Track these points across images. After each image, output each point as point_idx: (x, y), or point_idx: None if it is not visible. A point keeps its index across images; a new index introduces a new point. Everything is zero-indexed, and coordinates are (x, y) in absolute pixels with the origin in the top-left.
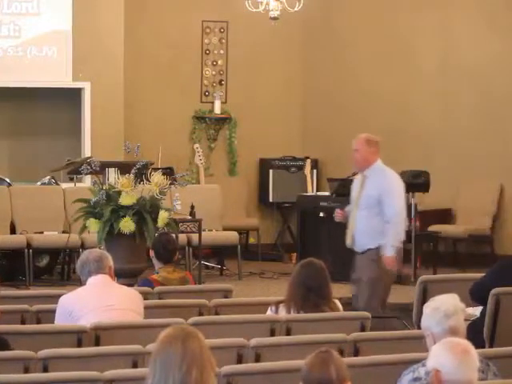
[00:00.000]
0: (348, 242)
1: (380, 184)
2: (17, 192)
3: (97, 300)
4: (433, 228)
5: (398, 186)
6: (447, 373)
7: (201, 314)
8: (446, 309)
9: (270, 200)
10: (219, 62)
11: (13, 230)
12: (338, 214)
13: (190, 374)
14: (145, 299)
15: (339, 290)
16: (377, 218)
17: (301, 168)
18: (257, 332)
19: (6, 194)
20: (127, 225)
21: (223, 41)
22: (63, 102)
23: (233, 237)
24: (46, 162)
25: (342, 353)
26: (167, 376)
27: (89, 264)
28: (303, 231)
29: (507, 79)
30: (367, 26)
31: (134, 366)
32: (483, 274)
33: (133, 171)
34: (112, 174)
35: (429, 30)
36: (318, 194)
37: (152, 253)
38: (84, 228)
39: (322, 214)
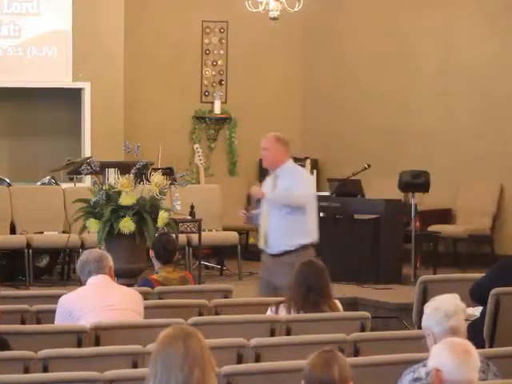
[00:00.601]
0: (261, 243)
1: (291, 181)
2: (17, 192)
3: (97, 300)
4: (433, 228)
5: (309, 180)
6: (448, 372)
7: (201, 314)
8: (446, 309)
9: None
10: (219, 62)
11: (13, 230)
12: (242, 215)
13: (192, 375)
14: (145, 299)
15: (339, 290)
16: (291, 216)
17: None
18: (257, 332)
19: (6, 194)
20: (127, 225)
21: (223, 41)
22: (63, 101)
23: (233, 237)
24: (46, 161)
25: (342, 353)
26: (169, 376)
27: (89, 264)
28: None
29: (507, 79)
30: (367, 25)
31: (134, 366)
32: (483, 274)
33: (133, 171)
34: (112, 174)
35: (429, 30)
36: (318, 194)
37: (152, 253)
38: (84, 228)
39: (321, 214)
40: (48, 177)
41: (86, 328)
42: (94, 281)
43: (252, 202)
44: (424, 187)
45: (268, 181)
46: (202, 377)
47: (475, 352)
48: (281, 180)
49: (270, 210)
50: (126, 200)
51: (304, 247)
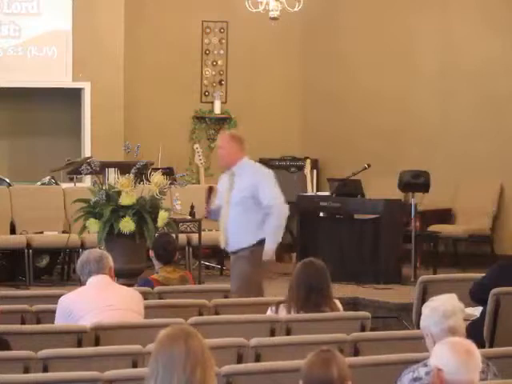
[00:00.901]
0: (221, 242)
1: (251, 177)
2: (17, 192)
3: (97, 300)
4: (433, 228)
5: (270, 176)
6: (449, 373)
7: (201, 314)
8: (444, 309)
9: None
10: (219, 62)
11: (13, 230)
12: (206, 212)
13: (194, 374)
14: (145, 299)
15: (339, 290)
16: (250, 214)
17: (301, 168)
18: (257, 332)
19: (6, 194)
20: (127, 225)
21: (223, 41)
22: (63, 102)
23: None
24: (46, 162)
25: (341, 353)
26: (171, 376)
27: (89, 264)
28: (303, 231)
29: (507, 79)
30: (367, 26)
31: (134, 366)
32: (483, 274)
33: (133, 171)
34: (112, 174)
35: (429, 30)
36: (318, 193)
37: (152, 253)
38: (84, 228)
39: (321, 214)
40: (48, 177)
41: (86, 328)
42: (94, 281)
43: (211, 196)
44: (424, 187)
45: (224, 179)
46: (203, 376)
47: (478, 353)
48: (238, 177)
49: (229, 207)
50: (125, 200)
51: (262, 242)
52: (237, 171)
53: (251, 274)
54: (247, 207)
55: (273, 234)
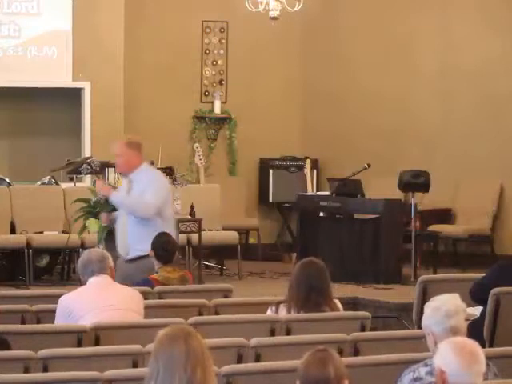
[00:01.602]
0: (119, 249)
1: (146, 184)
2: (17, 192)
3: (97, 300)
4: (433, 228)
5: (164, 184)
6: (452, 375)
7: (201, 314)
8: (446, 309)
9: (270, 200)
10: (219, 62)
11: (13, 230)
12: (103, 218)
13: (195, 374)
14: (145, 299)
15: (339, 290)
16: (148, 222)
17: (301, 168)
18: (257, 332)
19: (6, 194)
20: None
21: (223, 41)
22: (63, 101)
23: (233, 237)
24: (46, 162)
25: (341, 353)
26: (172, 376)
27: (92, 264)
28: (303, 231)
29: (507, 79)
30: (367, 26)
31: (134, 365)
32: (483, 274)
33: None
34: (112, 174)
35: (429, 29)
36: (318, 193)
37: (151, 253)
38: (84, 228)
39: (321, 214)
40: (48, 177)
41: (86, 328)
42: (94, 280)
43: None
44: (424, 187)
45: (122, 185)
46: (203, 376)
47: (482, 354)
48: (136, 184)
49: (127, 216)
50: None
51: None
52: (134, 178)
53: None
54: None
55: (128, 201)
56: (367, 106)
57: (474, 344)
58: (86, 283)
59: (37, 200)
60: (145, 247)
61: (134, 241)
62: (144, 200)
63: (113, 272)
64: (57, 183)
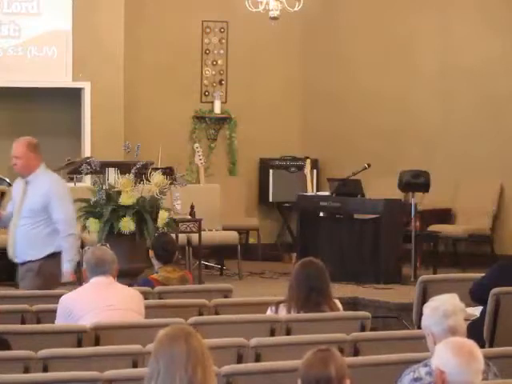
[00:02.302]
0: (9, 252)
1: (45, 190)
2: None
3: (97, 300)
4: (433, 228)
5: (64, 189)
6: (451, 374)
7: (201, 314)
8: (445, 309)
9: (270, 200)
10: (219, 62)
11: None
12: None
13: (196, 374)
14: (145, 299)
15: (339, 290)
16: (40, 226)
17: (301, 168)
18: (257, 332)
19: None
20: (127, 225)
21: (223, 41)
22: (63, 101)
23: (233, 237)
24: (46, 162)
25: (341, 353)
26: (173, 376)
27: (105, 265)
28: (303, 231)
29: (507, 79)
30: (367, 26)
31: (134, 365)
32: (483, 274)
33: (133, 171)
34: (112, 174)
35: (428, 30)
36: (318, 193)
37: (151, 253)
38: (84, 228)
39: (321, 214)
40: None
41: (86, 328)
42: (95, 280)
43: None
44: (424, 187)
45: (18, 184)
46: (204, 376)
47: (480, 354)
48: (32, 186)
49: (19, 217)
50: (126, 200)
51: (51, 255)
52: (31, 180)
53: (41, 288)
54: (37, 220)
55: (67, 260)
56: (367, 106)
57: (471, 343)
58: (88, 280)
59: None
60: (35, 253)
61: (24, 246)
62: (68, 235)
63: (117, 272)
64: None
